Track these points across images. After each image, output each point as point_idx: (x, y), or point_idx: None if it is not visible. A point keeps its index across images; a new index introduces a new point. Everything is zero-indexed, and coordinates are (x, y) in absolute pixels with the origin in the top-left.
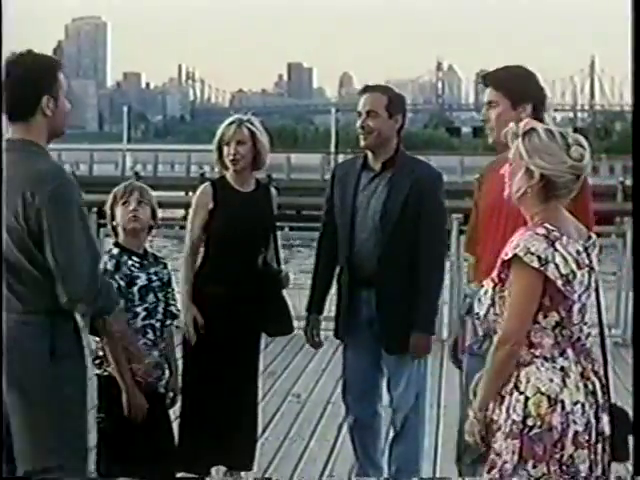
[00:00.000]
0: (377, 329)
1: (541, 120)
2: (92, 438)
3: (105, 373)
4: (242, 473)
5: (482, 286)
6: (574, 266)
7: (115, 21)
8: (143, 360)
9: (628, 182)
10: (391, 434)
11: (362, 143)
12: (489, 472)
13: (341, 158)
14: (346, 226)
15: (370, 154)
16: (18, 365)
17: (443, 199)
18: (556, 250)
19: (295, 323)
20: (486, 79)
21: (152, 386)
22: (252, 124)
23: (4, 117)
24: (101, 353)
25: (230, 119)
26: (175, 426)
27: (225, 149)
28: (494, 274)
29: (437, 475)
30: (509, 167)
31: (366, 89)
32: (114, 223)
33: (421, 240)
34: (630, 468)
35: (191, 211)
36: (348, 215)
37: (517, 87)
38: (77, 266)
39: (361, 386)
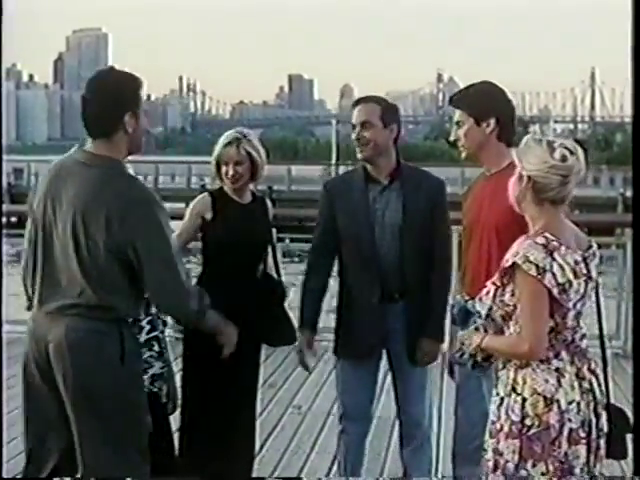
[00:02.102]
0: (397, 343)
1: (509, 133)
2: None
3: None
4: None
5: (467, 296)
6: (571, 276)
7: (116, 33)
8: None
9: (629, 193)
10: (407, 449)
11: (359, 155)
12: (493, 472)
13: (342, 169)
14: (364, 241)
15: (370, 166)
16: (87, 372)
17: (447, 207)
18: (554, 260)
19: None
20: (452, 101)
21: (156, 396)
22: (249, 141)
23: (4, 121)
24: None
25: (227, 138)
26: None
27: (224, 168)
28: (495, 277)
29: None
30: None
31: (359, 101)
32: None
33: (434, 248)
34: (625, 467)
35: (186, 215)
36: (366, 230)
37: (478, 104)
38: (172, 281)
39: (363, 406)
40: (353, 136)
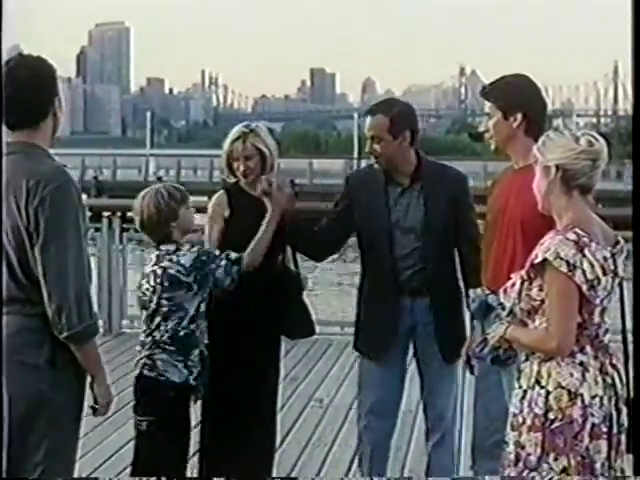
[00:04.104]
0: (419, 340)
1: (538, 128)
2: (111, 442)
3: (162, 378)
4: None
5: (488, 290)
6: (600, 272)
7: (138, 26)
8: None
9: None
10: (430, 442)
11: (376, 166)
12: (515, 465)
13: (364, 163)
14: (384, 242)
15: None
16: (14, 372)
17: (472, 200)
18: (584, 256)
19: (317, 328)
20: (483, 92)
21: (194, 388)
22: (256, 135)
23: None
24: (159, 356)
25: (234, 134)
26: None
27: (235, 164)
28: (523, 271)
29: None
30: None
31: (368, 112)
32: (174, 224)
33: (462, 245)
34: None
35: (208, 220)
36: (385, 230)
37: (507, 97)
38: (64, 271)
39: (388, 402)
40: (366, 149)
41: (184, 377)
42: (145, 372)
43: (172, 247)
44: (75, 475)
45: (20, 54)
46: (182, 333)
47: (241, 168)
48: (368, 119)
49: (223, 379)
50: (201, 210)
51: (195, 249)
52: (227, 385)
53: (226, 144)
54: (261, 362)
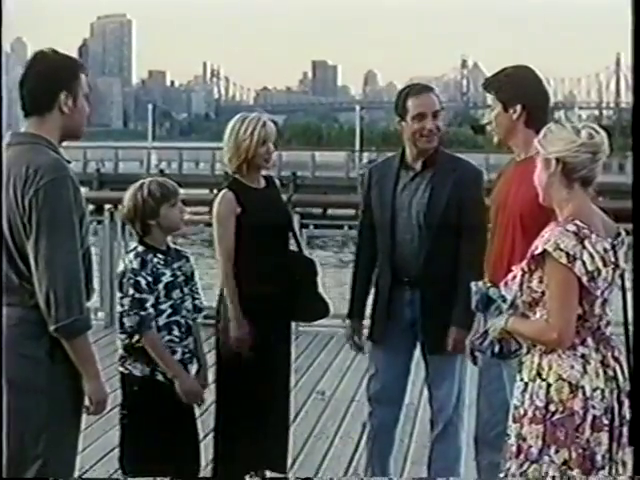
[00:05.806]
0: (419, 330)
1: (539, 120)
2: (111, 437)
3: (126, 371)
4: None
5: (489, 283)
6: (600, 264)
7: (140, 19)
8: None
9: None
10: (433, 433)
11: (426, 145)
12: (516, 457)
13: (366, 156)
14: (387, 227)
15: (410, 152)
16: (13, 364)
17: (483, 196)
18: (584, 248)
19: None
20: (484, 84)
21: (162, 384)
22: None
23: (4, 115)
24: (121, 351)
25: (260, 119)
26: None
27: (262, 149)
28: (524, 263)
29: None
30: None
31: (423, 89)
32: (153, 222)
33: (462, 239)
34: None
35: (218, 221)
36: (388, 215)
37: (506, 89)
38: (53, 264)
39: (392, 390)
40: (428, 125)
41: (147, 372)
42: (119, 367)
43: (132, 245)
44: (76, 468)
45: (53, 50)
46: (131, 344)
47: (270, 150)
48: (428, 95)
49: (237, 370)
50: (203, 202)
51: (126, 262)
52: (241, 375)
53: (256, 131)
54: (276, 348)
